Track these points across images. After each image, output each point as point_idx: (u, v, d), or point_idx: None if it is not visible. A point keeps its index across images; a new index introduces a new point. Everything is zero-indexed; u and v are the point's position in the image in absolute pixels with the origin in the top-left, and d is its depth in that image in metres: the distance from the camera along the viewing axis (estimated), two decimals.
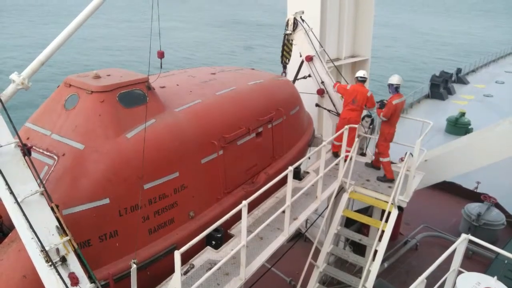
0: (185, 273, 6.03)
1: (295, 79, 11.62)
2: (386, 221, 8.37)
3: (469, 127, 24.47)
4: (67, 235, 4.46)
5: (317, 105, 11.81)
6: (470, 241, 5.48)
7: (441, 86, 32.55)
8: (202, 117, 6.92)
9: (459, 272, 5.60)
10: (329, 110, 11.29)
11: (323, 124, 13.35)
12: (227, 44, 64.65)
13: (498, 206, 14.66)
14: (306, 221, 10.71)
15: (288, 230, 7.21)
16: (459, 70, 38.16)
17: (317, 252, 8.84)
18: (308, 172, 9.43)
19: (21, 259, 4.62)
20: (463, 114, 25.11)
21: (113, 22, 77.03)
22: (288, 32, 11.04)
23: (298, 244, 9.84)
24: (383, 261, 11.08)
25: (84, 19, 5.71)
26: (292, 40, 11.17)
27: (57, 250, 4.33)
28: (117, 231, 5.46)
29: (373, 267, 8.06)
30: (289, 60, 11.43)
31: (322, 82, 10.97)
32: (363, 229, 11.68)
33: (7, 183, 4.17)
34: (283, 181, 7.07)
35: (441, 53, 63.87)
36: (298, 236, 11.10)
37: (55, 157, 5.37)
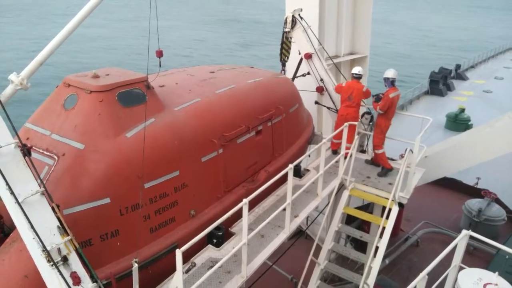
0: (187, 271, 6.03)
1: (294, 76, 11.62)
2: (387, 217, 8.37)
3: (469, 123, 24.46)
4: (68, 234, 4.47)
5: (316, 102, 11.80)
6: (471, 237, 5.49)
7: (440, 82, 32.53)
8: (202, 115, 6.92)
9: (461, 268, 5.61)
10: (328, 108, 11.28)
11: (323, 121, 13.33)
12: (225, 42, 64.59)
13: (498, 201, 14.67)
14: (307, 219, 10.73)
15: (289, 227, 7.21)
16: (458, 66, 38.11)
17: (318, 249, 8.84)
18: (308, 170, 9.44)
19: (23, 259, 4.63)
20: (462, 110, 25.10)
21: (110, 21, 76.90)
22: (286, 30, 11.02)
23: (299, 242, 9.84)
24: (384, 257, 11.08)
25: (82, 18, 5.71)
26: (290, 38, 11.16)
27: (59, 249, 4.34)
28: (118, 230, 5.47)
29: (374, 264, 8.06)
30: (288, 58, 11.42)
31: (321, 80, 10.97)
32: (364, 226, 11.67)
33: (7, 184, 4.17)
34: (284, 179, 7.08)
35: (439, 49, 63.83)
36: (299, 234, 11.10)
37: (55, 157, 5.37)
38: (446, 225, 14.44)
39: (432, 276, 4.95)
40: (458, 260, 5.58)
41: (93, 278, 4.58)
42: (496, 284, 5.23)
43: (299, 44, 11.10)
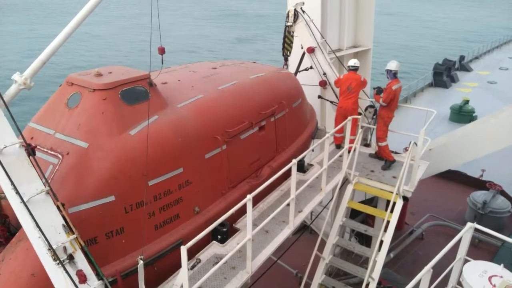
0: (192, 267, 6.07)
1: (297, 71, 11.57)
2: (391, 211, 8.36)
3: (473, 114, 24.31)
4: (73, 233, 4.49)
5: (319, 97, 11.76)
6: (476, 229, 5.48)
7: (444, 74, 32.32)
8: (205, 112, 6.92)
9: (466, 261, 5.61)
10: (331, 102, 11.25)
11: (326, 115, 13.30)
12: (227, 37, 64.38)
13: (503, 193, 14.62)
14: (311, 214, 10.74)
15: (293, 222, 7.22)
16: (462, 58, 37.81)
17: (323, 244, 8.86)
18: (312, 165, 9.43)
19: (29, 258, 4.66)
20: (467, 101, 24.94)
21: (112, 18, 76.83)
22: (288, 24, 10.97)
23: (303, 237, 9.89)
24: (389, 251, 11.10)
25: (84, 17, 5.70)
26: (293, 32, 11.10)
27: (64, 248, 4.36)
28: (123, 228, 5.49)
29: (379, 258, 8.08)
30: (290, 52, 11.38)
31: (324, 74, 10.92)
32: (368, 220, 11.69)
33: (12, 183, 4.19)
34: (287, 174, 7.08)
35: (443, 40, 63.32)
36: (304, 229, 11.15)
37: (60, 156, 5.39)
38: (450, 218, 14.42)
39: (437, 269, 4.94)
40: (463, 252, 5.58)
41: (99, 276, 4.61)
42: (502, 276, 5.23)
43: (302, 38, 11.05)
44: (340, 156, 9.08)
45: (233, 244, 6.54)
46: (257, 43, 61.07)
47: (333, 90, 10.99)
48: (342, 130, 10.01)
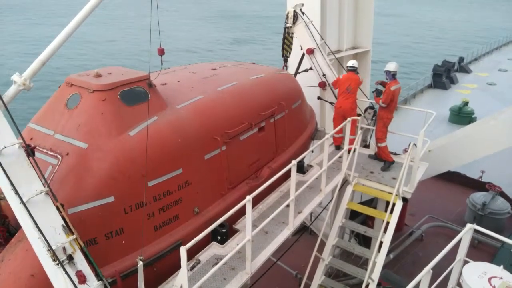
0: (192, 268, 6.06)
1: (297, 72, 11.58)
2: (391, 212, 8.36)
3: (473, 116, 24.34)
4: (73, 233, 4.49)
5: (319, 98, 11.76)
6: (476, 231, 5.47)
7: (443, 76, 32.37)
8: (204, 113, 6.92)
9: (465, 262, 5.61)
10: (331, 103, 11.24)
11: (326, 117, 13.30)
12: (227, 38, 64.44)
13: (503, 195, 14.63)
14: (310, 215, 10.73)
15: (293, 223, 7.22)
16: (461, 59, 37.88)
17: (322, 245, 8.85)
18: (311, 166, 9.43)
19: (29, 258, 4.65)
20: (466, 103, 24.97)
21: (111, 19, 76.85)
22: (288, 25, 10.97)
23: (303, 238, 9.86)
24: (389, 252, 11.10)
25: (83, 18, 5.71)
26: (292, 33, 11.11)
27: (64, 248, 4.36)
28: (123, 228, 5.49)
29: (379, 259, 8.07)
30: (290, 54, 11.38)
31: (324, 75, 10.93)
32: (368, 221, 11.68)
33: (12, 184, 4.19)
34: (287, 175, 7.07)
35: (442, 41, 63.42)
36: (303, 230, 11.12)
37: (59, 156, 5.38)
38: (450, 219, 14.42)
39: (437, 270, 4.94)
40: (463, 254, 5.58)
41: (99, 277, 4.60)
42: (501, 278, 5.23)
43: (301, 39, 11.06)
44: (340, 157, 9.08)
45: (233, 245, 6.54)
46: (256, 44, 61.14)
47: (332, 91, 11.00)
48: (341, 131, 10.02)
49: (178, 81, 7.75)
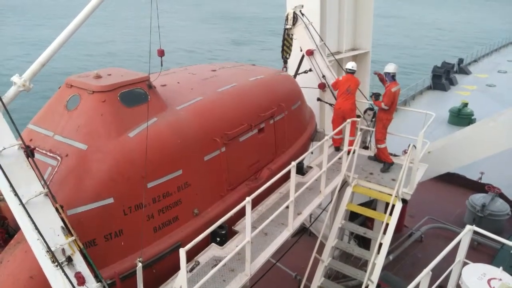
0: (191, 270, 6.05)
1: (296, 73, 11.58)
2: (390, 214, 8.36)
3: (472, 117, 24.38)
4: (72, 235, 4.48)
5: (318, 99, 11.77)
6: (475, 232, 5.48)
7: (443, 77, 32.42)
8: (204, 114, 6.92)
9: (465, 263, 5.60)
10: (330, 104, 11.25)
11: (325, 118, 13.30)
12: (227, 40, 64.48)
13: (502, 196, 14.64)
14: (310, 216, 10.72)
15: (293, 225, 7.22)
16: (461, 61, 37.96)
17: (322, 246, 8.85)
18: (311, 167, 9.43)
19: (28, 260, 4.65)
20: (465, 104, 25.01)
21: (111, 20, 76.89)
22: (288, 26, 10.98)
23: (302, 239, 9.86)
24: (388, 254, 11.10)
25: (83, 19, 5.71)
26: (292, 35, 11.12)
27: (63, 250, 4.35)
28: (122, 230, 5.48)
29: (378, 260, 8.07)
30: (289, 55, 11.39)
31: (323, 76, 10.94)
32: (368, 222, 11.68)
33: (11, 185, 4.19)
34: (286, 177, 7.07)
35: (442, 43, 63.51)
36: (303, 231, 11.12)
37: (59, 158, 5.38)
38: (449, 221, 14.42)
39: (436, 272, 4.94)
40: (462, 255, 5.58)
41: (98, 278, 4.60)
42: (501, 279, 5.23)
43: (301, 40, 11.07)
44: (339, 158, 9.08)
45: (232, 247, 6.53)
46: (256, 45, 61.17)
47: (332, 92, 11.00)
48: (341, 132, 10.03)
49: (178, 82, 7.75)
